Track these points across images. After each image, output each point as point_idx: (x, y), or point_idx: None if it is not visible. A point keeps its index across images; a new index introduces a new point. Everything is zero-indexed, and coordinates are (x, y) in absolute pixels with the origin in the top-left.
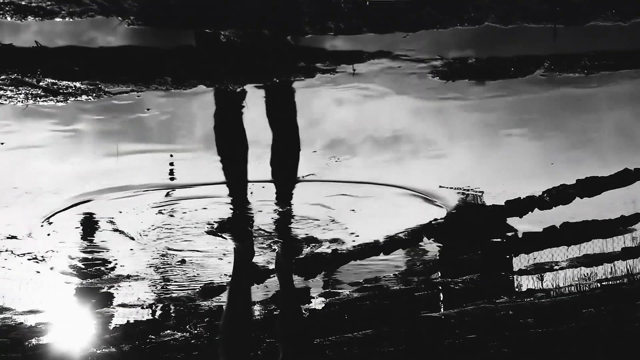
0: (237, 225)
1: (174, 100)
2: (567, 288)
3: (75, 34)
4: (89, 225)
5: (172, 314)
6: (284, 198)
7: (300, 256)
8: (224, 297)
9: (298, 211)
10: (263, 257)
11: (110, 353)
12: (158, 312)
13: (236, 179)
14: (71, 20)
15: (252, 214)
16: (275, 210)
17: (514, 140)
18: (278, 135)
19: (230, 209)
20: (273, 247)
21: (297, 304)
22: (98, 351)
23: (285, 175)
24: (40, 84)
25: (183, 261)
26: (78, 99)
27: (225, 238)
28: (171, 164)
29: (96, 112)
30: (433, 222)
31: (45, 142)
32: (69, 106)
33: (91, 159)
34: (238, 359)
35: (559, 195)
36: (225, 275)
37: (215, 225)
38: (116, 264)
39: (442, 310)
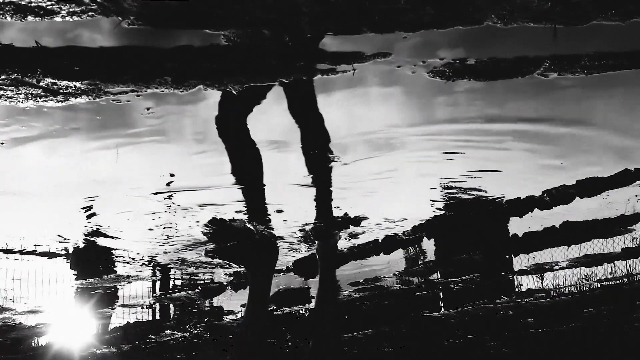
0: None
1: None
2: (567, 288)
3: (60, 32)
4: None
5: (173, 313)
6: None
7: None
8: (222, 296)
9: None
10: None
11: (110, 353)
12: (158, 312)
13: (253, 180)
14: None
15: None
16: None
17: None
18: (306, 129)
19: (247, 214)
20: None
21: (336, 294)
22: (98, 351)
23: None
24: (40, 84)
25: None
26: (78, 98)
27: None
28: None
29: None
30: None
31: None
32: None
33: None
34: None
35: (559, 195)
36: (226, 275)
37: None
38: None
39: (442, 310)
